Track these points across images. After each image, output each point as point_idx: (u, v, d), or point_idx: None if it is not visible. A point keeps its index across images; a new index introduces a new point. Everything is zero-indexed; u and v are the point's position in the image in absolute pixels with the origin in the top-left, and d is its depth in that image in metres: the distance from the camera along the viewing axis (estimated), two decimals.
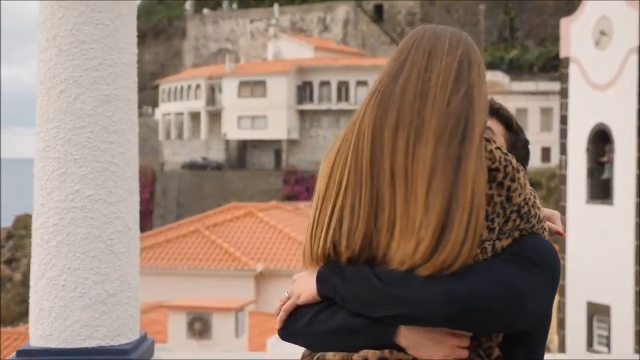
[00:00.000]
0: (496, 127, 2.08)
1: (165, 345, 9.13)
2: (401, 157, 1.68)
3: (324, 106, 60.03)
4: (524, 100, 54.96)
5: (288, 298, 1.82)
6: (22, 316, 49.02)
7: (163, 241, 23.69)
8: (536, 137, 54.25)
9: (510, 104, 55.20)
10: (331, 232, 1.71)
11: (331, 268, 1.73)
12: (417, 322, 1.67)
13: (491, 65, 58.56)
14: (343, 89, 59.91)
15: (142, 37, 78.80)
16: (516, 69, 58.46)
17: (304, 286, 1.79)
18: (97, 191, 2.62)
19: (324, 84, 60.52)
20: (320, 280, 1.75)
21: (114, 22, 2.65)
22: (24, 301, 57.49)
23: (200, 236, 23.89)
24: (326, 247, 1.72)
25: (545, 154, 52.48)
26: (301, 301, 1.79)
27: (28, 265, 44.95)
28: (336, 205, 1.71)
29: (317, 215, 1.74)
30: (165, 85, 67.59)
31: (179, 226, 26.11)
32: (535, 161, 54.43)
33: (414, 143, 1.68)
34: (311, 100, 60.91)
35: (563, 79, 22.28)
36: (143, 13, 79.71)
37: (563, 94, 22.23)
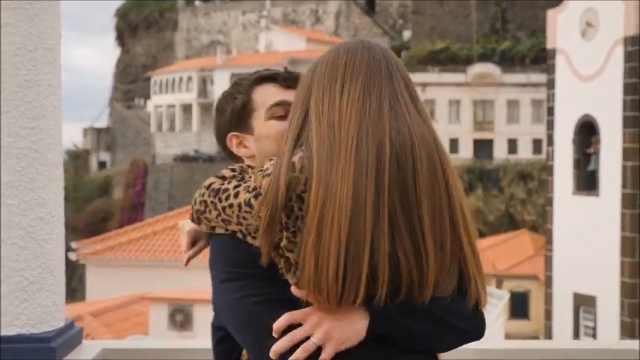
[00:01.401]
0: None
1: (139, 336, 9.09)
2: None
3: None
4: (515, 92, 54.98)
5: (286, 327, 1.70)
6: None
7: (150, 233, 23.64)
8: (528, 129, 54.32)
9: (502, 96, 55.22)
10: (368, 267, 1.65)
11: (388, 307, 1.68)
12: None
13: (483, 57, 58.53)
14: None
15: (134, 29, 78.68)
16: (508, 61, 58.42)
17: (344, 330, 1.69)
18: (17, 177, 2.59)
19: None
20: (378, 319, 1.68)
21: (33, 6, 2.61)
22: None
23: None
24: (361, 283, 1.64)
25: (537, 145, 52.53)
26: (347, 346, 1.69)
27: None
28: (368, 237, 1.65)
29: (333, 246, 1.64)
30: (157, 77, 67.48)
31: (166, 219, 26.04)
32: (527, 153, 54.53)
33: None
34: None
35: (550, 70, 22.28)
36: (135, 5, 79.57)
37: (550, 85, 22.23)
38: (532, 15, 60.12)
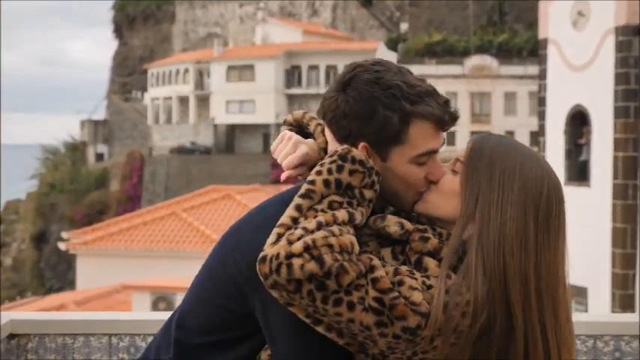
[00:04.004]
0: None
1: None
2: None
3: (312, 90, 59.89)
4: (512, 84, 54.92)
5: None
6: (12, 300, 48.78)
7: (140, 223, 23.64)
8: (525, 121, 54.25)
9: (499, 88, 55.16)
10: None
11: None
12: None
13: (480, 49, 58.42)
14: (332, 73, 59.74)
15: (131, 22, 78.52)
16: (505, 53, 58.31)
17: None
18: None
19: (313, 68, 60.40)
20: None
21: None
22: (14, 285, 57.47)
23: (177, 219, 23.81)
24: None
25: (534, 137, 52.45)
26: None
27: (18, 250, 44.89)
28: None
29: None
30: (154, 69, 67.37)
31: (156, 209, 26.05)
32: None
33: None
34: (299, 84, 60.80)
35: (542, 60, 22.22)
36: None
37: (542, 75, 22.17)
38: (529, 7, 59.92)
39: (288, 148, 2.01)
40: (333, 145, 1.97)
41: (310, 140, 2.05)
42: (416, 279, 1.80)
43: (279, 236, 1.75)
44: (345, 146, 1.88)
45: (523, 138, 54.60)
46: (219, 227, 23.86)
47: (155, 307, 15.39)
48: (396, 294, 1.75)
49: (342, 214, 1.79)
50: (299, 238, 1.73)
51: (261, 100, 59.82)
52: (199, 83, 63.38)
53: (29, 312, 3.76)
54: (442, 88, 57.36)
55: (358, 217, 1.83)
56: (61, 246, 22.63)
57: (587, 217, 19.87)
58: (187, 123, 63.75)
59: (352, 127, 1.93)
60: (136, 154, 62.49)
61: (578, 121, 20.75)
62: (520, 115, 55.17)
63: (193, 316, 2.00)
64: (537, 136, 22.80)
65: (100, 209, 60.38)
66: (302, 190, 1.82)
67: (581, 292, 20.53)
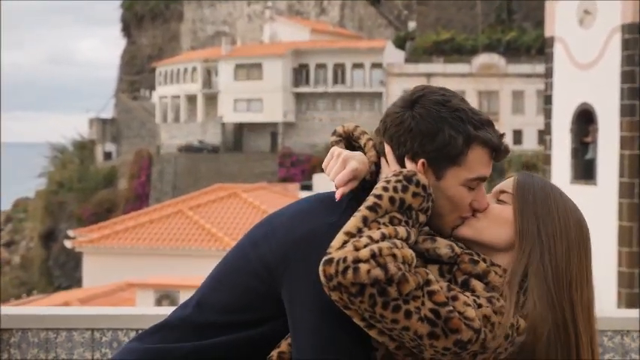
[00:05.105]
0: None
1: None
2: None
3: (320, 89, 59.89)
4: (520, 83, 54.80)
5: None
6: (18, 299, 49.00)
7: (146, 221, 23.66)
8: (533, 120, 54.11)
9: (507, 87, 55.04)
10: None
11: None
12: None
13: (488, 47, 58.31)
14: (339, 72, 59.74)
15: (140, 21, 78.62)
16: (513, 51, 58.19)
17: None
18: None
19: (321, 67, 60.35)
20: None
21: None
22: (22, 283, 57.64)
23: (183, 217, 23.84)
24: None
25: (542, 136, 52.28)
26: None
27: (26, 248, 44.98)
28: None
29: None
30: (162, 68, 67.46)
31: (163, 207, 26.09)
32: (531, 144, 54.30)
33: None
34: (307, 82, 60.76)
35: (548, 58, 22.16)
36: None
37: (548, 73, 22.11)
38: (538, 5, 59.77)
39: (337, 166, 2.09)
40: (392, 162, 2.07)
41: (359, 153, 2.13)
42: (467, 296, 1.93)
43: (345, 242, 1.86)
44: (411, 169, 1.99)
45: (531, 137, 54.48)
46: (225, 225, 23.88)
47: (159, 304, 15.42)
48: (451, 308, 1.87)
49: (402, 231, 1.91)
50: (365, 246, 1.84)
51: (269, 99, 59.81)
52: (207, 82, 63.43)
53: (12, 306, 3.76)
54: (450, 86, 56.41)
55: (412, 237, 1.95)
56: (67, 244, 22.69)
57: (593, 215, 19.76)
58: (195, 121, 63.81)
59: (415, 144, 2.03)
60: (144, 153, 62.61)
61: (585, 120, 20.69)
62: (528, 114, 55.04)
63: (216, 296, 2.08)
64: (543, 134, 22.75)
65: (108, 208, 60.50)
66: (369, 203, 1.94)
67: None
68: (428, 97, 2.06)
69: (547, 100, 22.14)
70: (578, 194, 18.15)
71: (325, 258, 1.83)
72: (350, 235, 1.86)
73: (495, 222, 2.09)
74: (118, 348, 3.03)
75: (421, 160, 2.02)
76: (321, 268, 1.83)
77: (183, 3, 74.91)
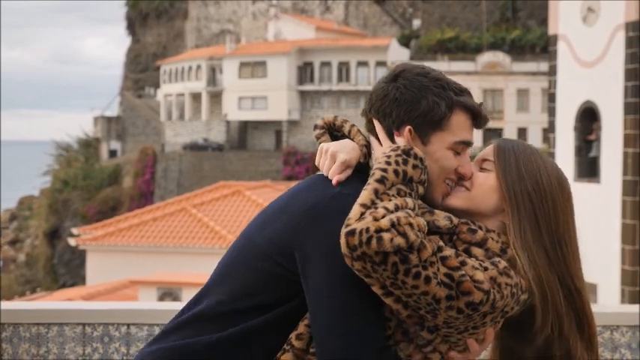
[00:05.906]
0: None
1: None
2: None
3: (324, 87, 59.88)
4: (525, 81, 54.73)
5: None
6: (22, 296, 49.06)
7: (150, 219, 23.68)
8: (538, 118, 54.01)
9: (511, 85, 54.96)
10: None
11: None
12: None
13: (493, 46, 58.24)
14: (344, 70, 59.73)
15: (144, 18, 78.64)
16: (518, 49, 58.09)
17: None
18: None
19: (325, 65, 60.33)
20: None
21: None
22: (28, 281, 57.73)
23: (187, 214, 23.87)
24: None
25: (546, 134, 52.28)
26: None
27: (31, 246, 45.07)
28: None
29: None
30: (167, 66, 67.51)
31: (166, 205, 26.11)
32: (536, 141, 54.21)
33: None
34: (311, 80, 60.75)
35: (552, 56, 22.14)
36: None
37: (552, 71, 22.10)
38: (542, 3, 59.66)
39: (328, 161, 2.16)
40: (384, 139, 2.15)
41: (346, 141, 2.20)
42: (474, 261, 2.03)
43: (362, 214, 1.92)
44: (407, 143, 2.08)
45: (536, 135, 54.40)
46: (228, 223, 23.90)
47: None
48: (463, 272, 1.97)
49: (410, 201, 2.00)
50: (383, 216, 1.91)
51: (274, 97, 59.81)
52: (212, 80, 63.45)
53: (3, 301, 3.77)
54: None
55: (416, 209, 2.04)
56: (71, 242, 22.72)
57: (597, 213, 19.80)
58: (200, 119, 63.85)
59: (400, 112, 2.13)
60: (149, 151, 62.65)
61: (588, 118, 20.66)
62: (533, 112, 54.99)
63: (229, 285, 2.10)
64: (547, 132, 22.73)
65: (112, 205, 60.56)
66: (376, 176, 2.01)
67: (591, 289, 20.47)
68: (410, 70, 2.19)
69: (551, 98, 22.14)
70: (582, 192, 18.04)
71: (347, 229, 1.89)
72: (365, 206, 1.93)
73: (481, 190, 2.19)
74: (110, 343, 3.05)
75: (407, 127, 2.12)
76: (343, 239, 1.89)
77: (187, 1, 74.95)
